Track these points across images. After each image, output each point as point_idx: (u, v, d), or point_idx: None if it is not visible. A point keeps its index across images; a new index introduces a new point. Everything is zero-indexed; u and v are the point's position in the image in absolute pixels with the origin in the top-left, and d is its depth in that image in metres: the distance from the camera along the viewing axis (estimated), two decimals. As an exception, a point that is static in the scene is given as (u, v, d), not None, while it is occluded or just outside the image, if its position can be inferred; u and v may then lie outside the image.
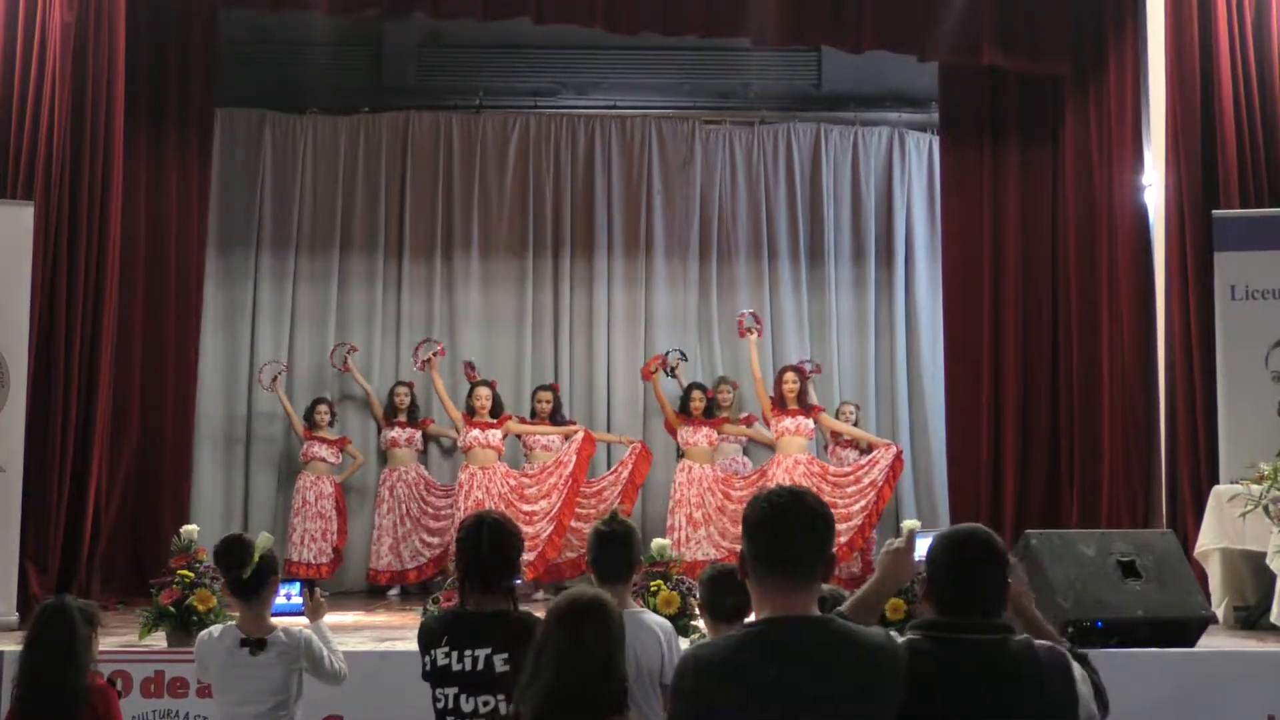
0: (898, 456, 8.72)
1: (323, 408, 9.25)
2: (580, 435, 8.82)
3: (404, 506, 9.11)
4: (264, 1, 8.50)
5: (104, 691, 3.82)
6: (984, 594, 2.67)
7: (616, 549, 3.60)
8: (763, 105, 10.30)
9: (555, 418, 9.11)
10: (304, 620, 3.99)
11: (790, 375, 8.89)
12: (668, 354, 9.33)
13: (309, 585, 4.07)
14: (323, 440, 9.15)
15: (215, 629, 3.89)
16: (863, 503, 8.50)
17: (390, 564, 9.04)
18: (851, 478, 8.66)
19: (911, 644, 2.60)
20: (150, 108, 8.45)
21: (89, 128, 7.34)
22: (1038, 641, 2.69)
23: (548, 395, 9.18)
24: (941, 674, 2.56)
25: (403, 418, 9.25)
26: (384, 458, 9.36)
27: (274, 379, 9.38)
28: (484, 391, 8.99)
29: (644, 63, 10.05)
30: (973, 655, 2.60)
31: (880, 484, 8.54)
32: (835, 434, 9.24)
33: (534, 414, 9.16)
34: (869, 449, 9.00)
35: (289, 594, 3.98)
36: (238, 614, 3.95)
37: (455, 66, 10.06)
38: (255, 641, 3.74)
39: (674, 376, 9.26)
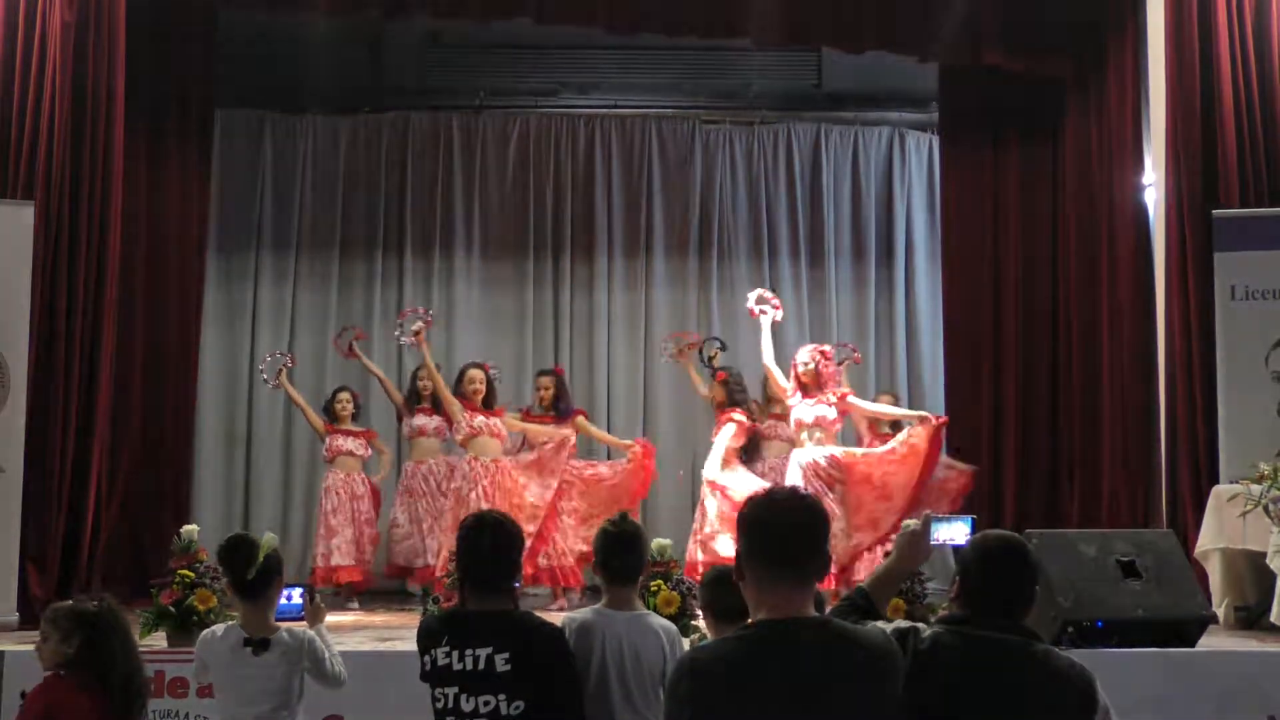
0: (937, 429, 7.60)
1: (344, 396, 8.54)
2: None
3: (425, 501, 8.34)
4: (264, 1, 8.50)
5: None
6: (1010, 598, 2.76)
7: (625, 550, 3.60)
8: (763, 105, 10.30)
9: (559, 406, 8.27)
10: (303, 624, 3.99)
11: (808, 355, 7.85)
12: (706, 342, 8.89)
13: (309, 590, 4.07)
14: (347, 432, 8.45)
15: (218, 628, 3.88)
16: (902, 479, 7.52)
17: (410, 562, 8.35)
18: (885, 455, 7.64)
19: (936, 636, 2.69)
20: (150, 108, 8.45)
21: (89, 128, 7.33)
22: (1063, 653, 2.76)
23: (549, 381, 8.34)
24: (959, 668, 2.63)
25: (429, 404, 8.42)
26: (408, 449, 8.73)
27: (278, 373, 8.69)
28: (476, 374, 8.11)
29: (644, 63, 10.04)
30: (992, 654, 2.66)
31: (923, 452, 7.51)
32: (873, 422, 8.36)
33: (538, 403, 8.38)
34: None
35: (290, 596, 3.99)
36: (238, 614, 3.94)
37: (455, 66, 10.04)
38: (259, 641, 3.73)
39: (709, 365, 8.64)
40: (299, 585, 4.02)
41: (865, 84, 10.12)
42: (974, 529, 3.33)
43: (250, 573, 3.78)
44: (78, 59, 7.30)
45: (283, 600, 3.96)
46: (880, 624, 2.71)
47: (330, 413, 8.57)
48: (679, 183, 10.18)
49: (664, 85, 10.22)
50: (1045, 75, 8.85)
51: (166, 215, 8.65)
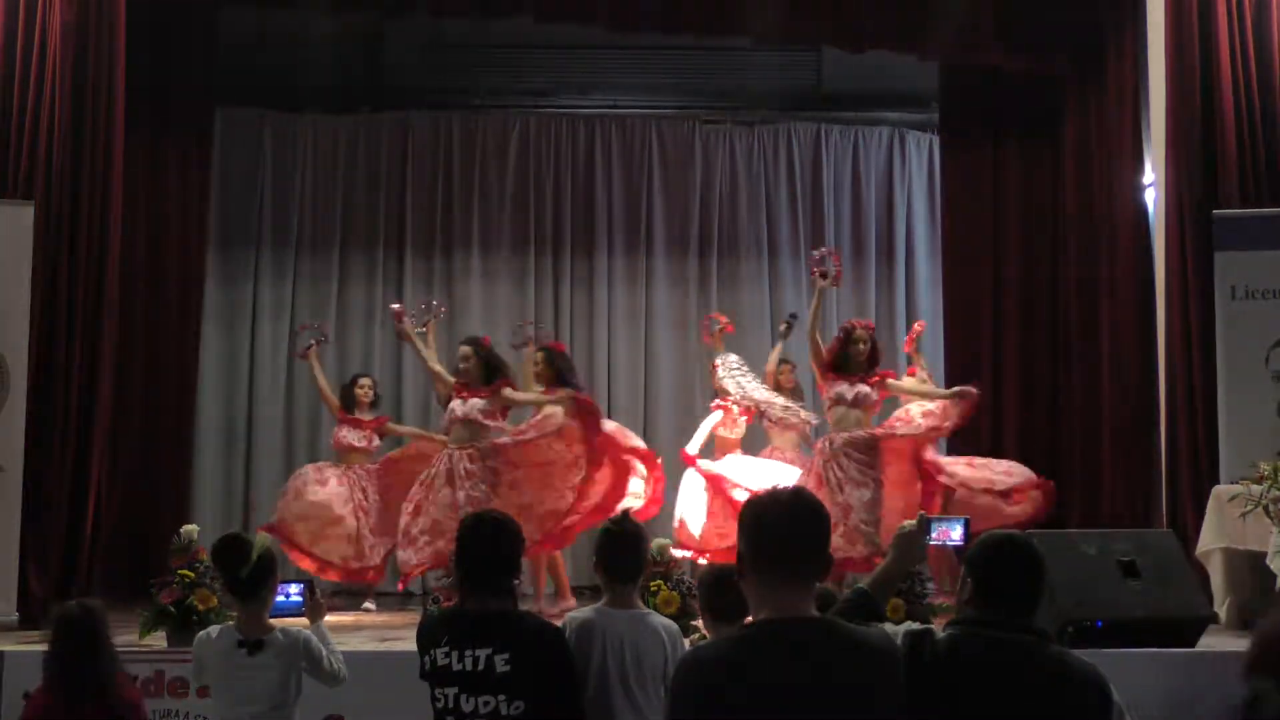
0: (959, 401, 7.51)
1: (365, 382, 8.33)
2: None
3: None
4: (264, 1, 8.49)
5: (136, 690, 3.81)
6: (1020, 597, 2.76)
7: (626, 549, 3.60)
8: (763, 105, 10.30)
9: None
10: (303, 620, 3.99)
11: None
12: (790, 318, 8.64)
13: (309, 585, 4.06)
14: (355, 422, 8.18)
15: (213, 629, 3.87)
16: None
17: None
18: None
19: (953, 638, 2.70)
20: (150, 108, 8.45)
21: (89, 128, 7.33)
22: (1075, 653, 2.77)
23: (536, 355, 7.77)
24: (980, 669, 2.65)
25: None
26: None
27: (308, 347, 8.39)
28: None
29: (644, 63, 10.04)
30: (1012, 655, 2.68)
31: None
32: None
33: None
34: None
35: (287, 593, 3.98)
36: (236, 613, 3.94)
37: (455, 66, 10.04)
38: (253, 642, 3.72)
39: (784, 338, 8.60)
40: (298, 581, 4.01)
41: (865, 84, 10.12)
42: (966, 529, 3.33)
43: (243, 572, 3.76)
44: (78, 59, 7.30)
45: (280, 597, 3.95)
46: (890, 625, 2.72)
47: (348, 399, 8.30)
48: (679, 183, 10.18)
49: (664, 85, 10.22)
50: (1045, 75, 8.86)
51: (166, 215, 8.66)
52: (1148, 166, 8.15)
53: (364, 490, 8.04)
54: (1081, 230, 8.65)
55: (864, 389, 7.37)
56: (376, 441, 8.30)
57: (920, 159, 10.42)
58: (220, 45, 8.98)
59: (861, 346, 7.44)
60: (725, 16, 8.25)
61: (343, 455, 8.19)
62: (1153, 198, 8.05)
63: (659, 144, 10.22)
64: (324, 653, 3.82)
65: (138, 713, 3.72)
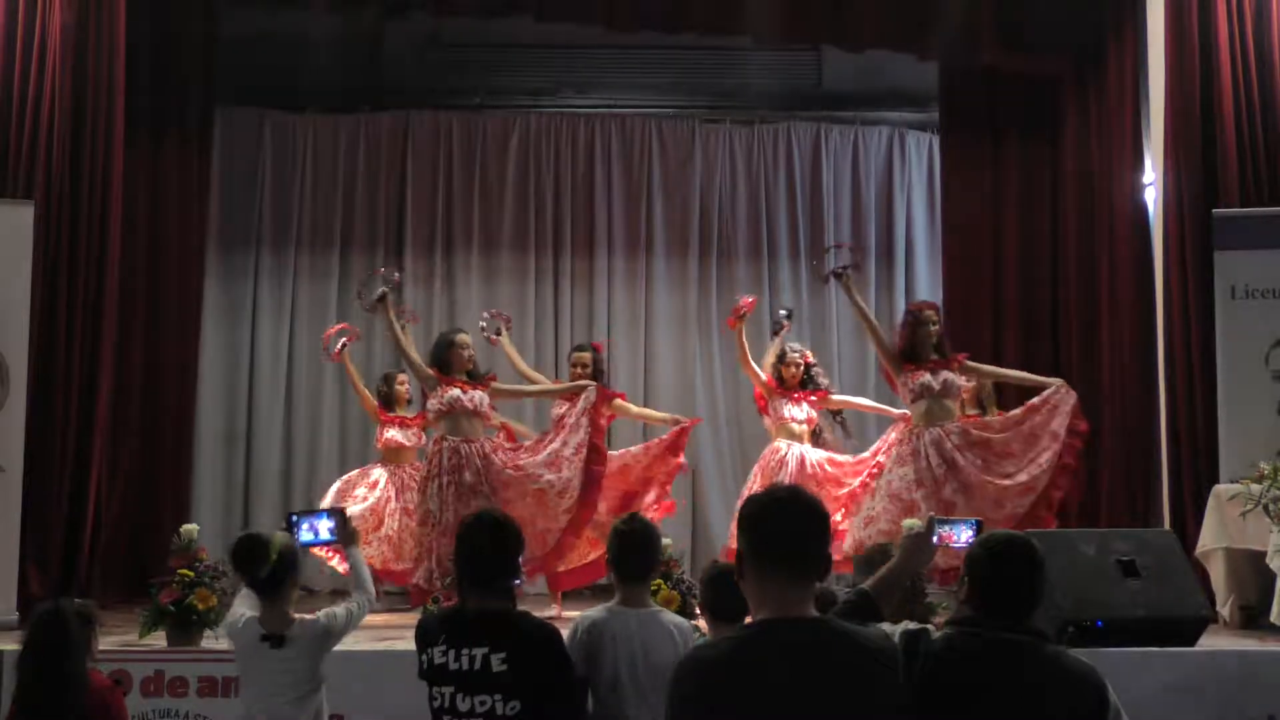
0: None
1: (403, 378, 8.08)
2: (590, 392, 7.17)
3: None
4: (264, 1, 8.49)
5: (109, 693, 3.82)
6: (1020, 598, 2.76)
7: (636, 548, 3.60)
8: (763, 105, 10.31)
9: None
10: (340, 575, 3.99)
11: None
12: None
13: (341, 514, 4.08)
14: (401, 423, 8.00)
15: (239, 619, 3.89)
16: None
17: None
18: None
19: (948, 637, 2.70)
20: (150, 108, 8.45)
21: (89, 128, 7.35)
22: (1072, 653, 2.77)
23: (586, 358, 7.67)
24: (975, 669, 2.65)
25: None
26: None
27: (340, 348, 8.02)
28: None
29: (644, 62, 10.04)
30: (1007, 655, 2.68)
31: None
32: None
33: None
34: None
35: (316, 529, 4.00)
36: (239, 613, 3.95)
37: (455, 66, 10.04)
38: (275, 637, 3.78)
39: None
40: (324, 512, 4.06)
41: (865, 84, 10.12)
42: (978, 531, 3.33)
43: (264, 572, 3.81)
44: (78, 59, 7.32)
45: (310, 535, 4.00)
46: (888, 625, 2.72)
47: (388, 398, 8.13)
48: (679, 182, 10.18)
49: (664, 85, 10.22)
50: (1045, 75, 8.86)
51: (166, 215, 8.64)
52: (1148, 166, 8.15)
53: (409, 491, 7.73)
54: (1081, 230, 8.65)
55: (949, 375, 6.93)
56: (423, 438, 7.99)
57: (920, 159, 10.42)
58: (220, 45, 8.98)
59: (933, 328, 7.00)
60: (725, 16, 8.25)
61: (390, 456, 8.03)
62: (1152, 197, 8.05)
63: (659, 144, 10.22)
64: (339, 617, 3.87)
65: (108, 715, 3.71)
